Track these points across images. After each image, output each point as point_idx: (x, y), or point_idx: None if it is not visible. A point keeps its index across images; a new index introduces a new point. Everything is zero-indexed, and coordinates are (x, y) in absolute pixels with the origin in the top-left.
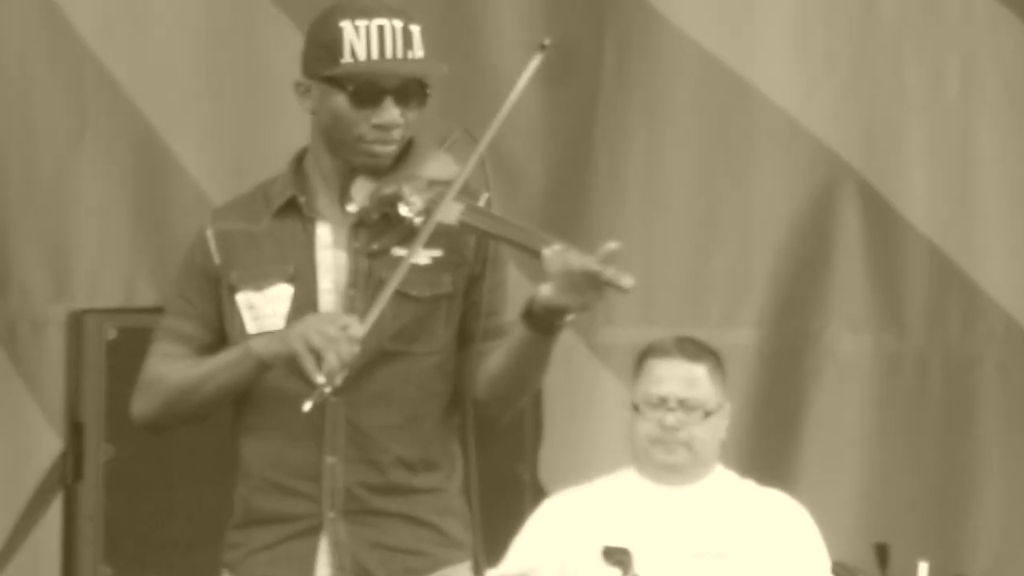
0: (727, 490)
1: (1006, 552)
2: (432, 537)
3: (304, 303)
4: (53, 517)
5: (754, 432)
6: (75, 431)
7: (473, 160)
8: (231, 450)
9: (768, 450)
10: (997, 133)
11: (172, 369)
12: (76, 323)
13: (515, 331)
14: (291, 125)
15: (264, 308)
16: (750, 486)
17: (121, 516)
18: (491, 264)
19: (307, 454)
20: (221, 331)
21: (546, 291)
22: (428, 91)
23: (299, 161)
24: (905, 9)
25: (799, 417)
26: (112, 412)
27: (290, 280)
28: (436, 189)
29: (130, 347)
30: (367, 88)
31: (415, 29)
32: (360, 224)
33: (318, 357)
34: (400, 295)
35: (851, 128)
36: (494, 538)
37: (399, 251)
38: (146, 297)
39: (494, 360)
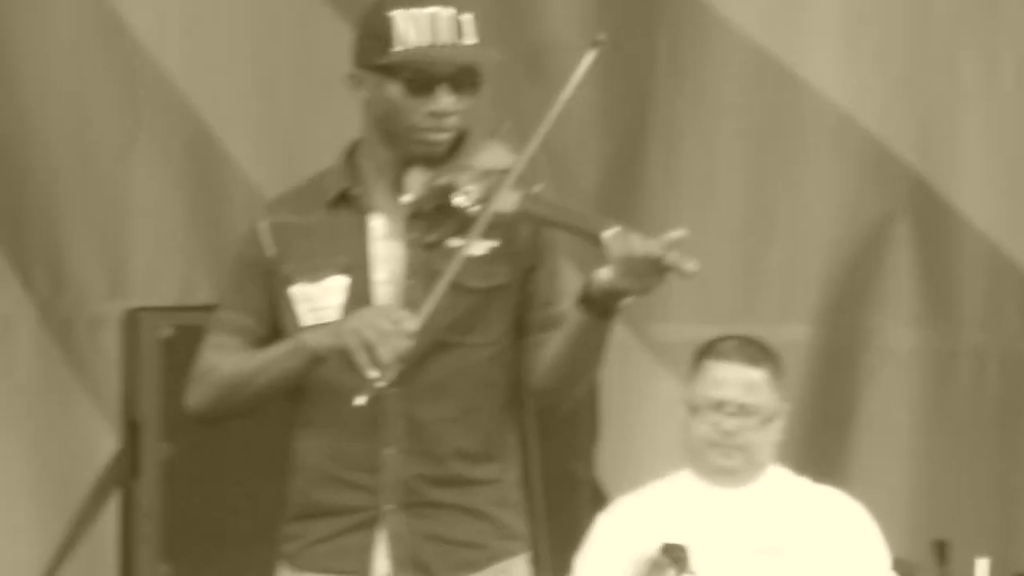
0: (782, 488)
1: None
2: (490, 529)
3: (359, 295)
4: (110, 515)
5: (807, 429)
6: (132, 429)
7: (531, 148)
8: (287, 445)
9: (821, 447)
10: None
11: (225, 360)
12: (132, 321)
13: (572, 317)
14: (344, 119)
15: (318, 300)
16: (805, 483)
17: (178, 513)
18: (546, 254)
19: (364, 446)
20: (274, 323)
21: (605, 274)
22: (481, 78)
23: (352, 153)
24: (959, 1)
25: (853, 414)
26: (169, 410)
27: (344, 272)
28: (491, 178)
29: (186, 345)
30: (420, 75)
31: (467, 17)
32: (415, 215)
33: (371, 352)
34: (456, 286)
35: (905, 122)
36: (550, 534)
37: (454, 242)
38: (202, 294)
39: (551, 348)
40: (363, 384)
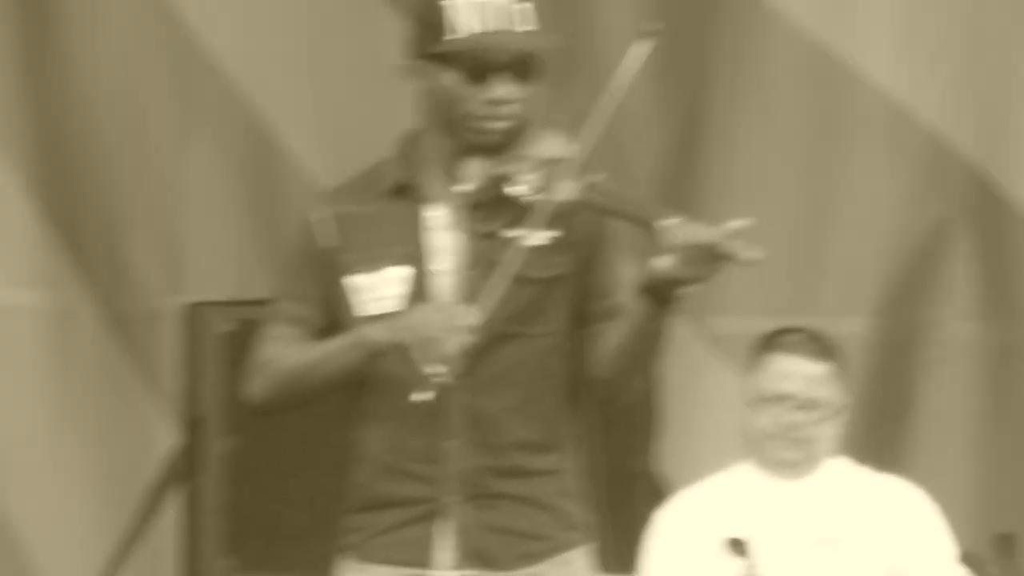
0: (843, 478)
1: None
2: (552, 520)
3: (417, 285)
4: (172, 510)
5: (867, 423)
6: (193, 424)
7: (590, 138)
8: (349, 438)
9: (881, 441)
10: None
11: (284, 352)
12: (192, 316)
13: (631, 307)
14: (399, 109)
15: (376, 291)
16: (865, 473)
17: (240, 507)
18: (604, 244)
19: (426, 438)
20: (332, 313)
21: (665, 263)
22: (540, 66)
23: (408, 143)
24: None
25: (913, 407)
26: (230, 404)
27: (402, 262)
28: (550, 168)
29: (246, 339)
30: (476, 63)
31: (525, 4)
32: (472, 205)
33: (433, 348)
34: (516, 277)
35: (963, 115)
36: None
37: (512, 232)
38: (258, 288)
39: (611, 338)
40: (425, 379)
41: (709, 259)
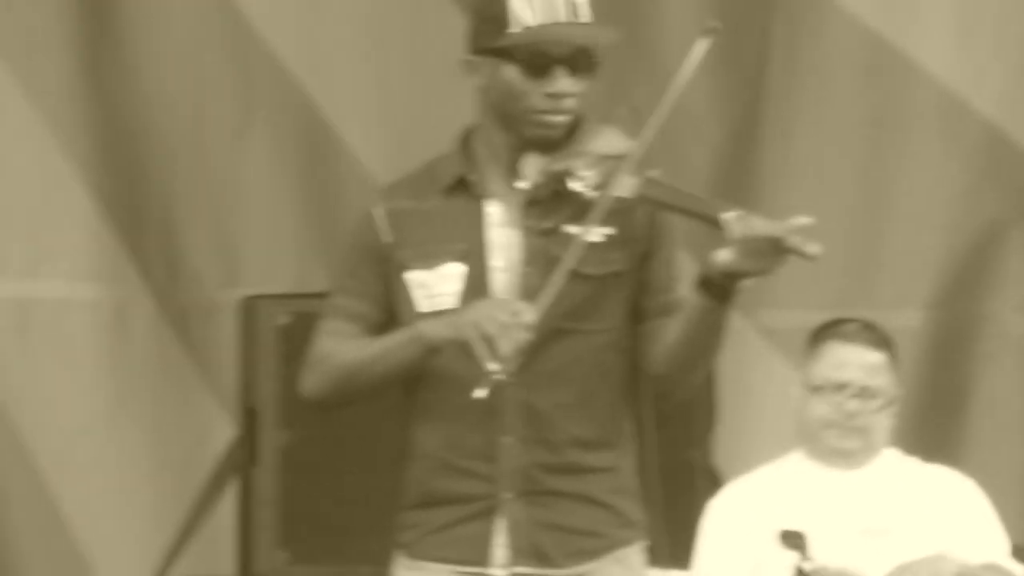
0: (895, 469)
1: None
2: (607, 517)
3: (475, 282)
4: (228, 502)
5: (922, 415)
6: (249, 416)
7: (649, 133)
8: (404, 434)
9: (936, 433)
10: None
11: (341, 348)
12: (249, 309)
13: (690, 302)
14: (458, 106)
15: (435, 287)
16: (916, 463)
17: (296, 500)
18: (662, 239)
19: (482, 435)
20: (390, 309)
21: (724, 256)
22: (598, 60)
23: (466, 139)
24: None
25: (967, 400)
26: (286, 397)
27: (461, 258)
28: (608, 164)
29: (302, 332)
30: (537, 56)
31: None
32: (531, 201)
33: (491, 344)
34: (574, 273)
35: (1019, 108)
36: (667, 522)
37: (571, 228)
38: (316, 282)
39: (669, 335)
40: (482, 376)
41: (771, 253)
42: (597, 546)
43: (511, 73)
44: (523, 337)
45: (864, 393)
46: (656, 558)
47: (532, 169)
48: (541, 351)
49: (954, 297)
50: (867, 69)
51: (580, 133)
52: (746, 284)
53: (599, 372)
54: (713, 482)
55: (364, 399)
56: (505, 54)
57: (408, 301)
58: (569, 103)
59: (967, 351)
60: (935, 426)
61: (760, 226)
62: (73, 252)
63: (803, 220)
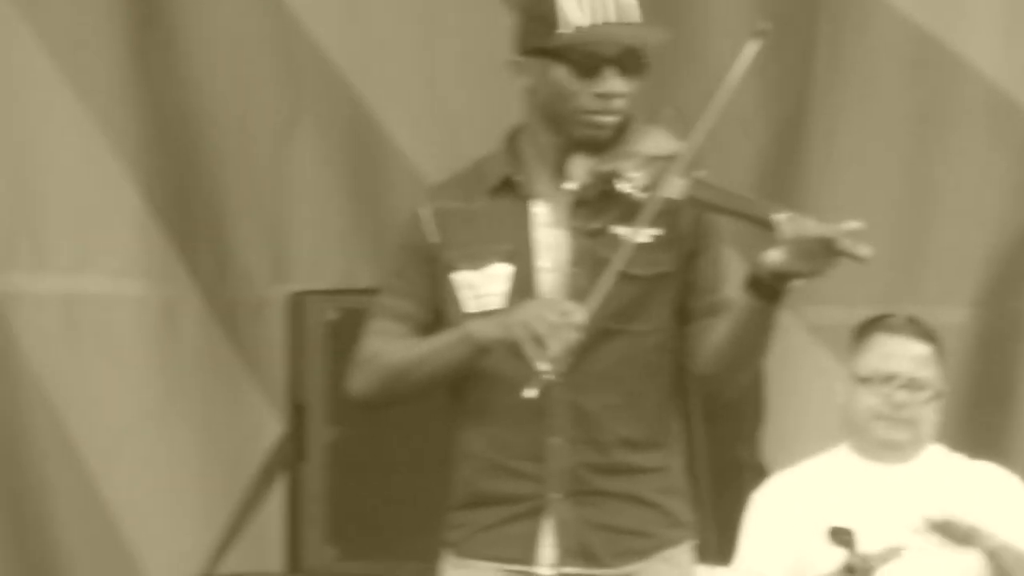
0: (941, 465)
1: None
2: (656, 517)
3: (522, 282)
4: (276, 499)
5: (967, 412)
6: (298, 413)
7: (699, 134)
8: (452, 433)
9: (981, 430)
10: None
11: (389, 348)
12: (297, 305)
13: (739, 302)
14: (507, 104)
15: (482, 287)
16: (962, 460)
17: (345, 496)
18: (709, 240)
19: (530, 435)
20: (437, 309)
21: (775, 256)
22: (647, 60)
23: (513, 139)
24: None
25: (1013, 397)
26: (334, 393)
27: (508, 259)
28: (657, 165)
29: (351, 328)
30: (587, 57)
31: None
32: (578, 202)
33: (541, 345)
34: (622, 274)
35: None
36: (716, 520)
37: (619, 229)
38: (363, 278)
39: (717, 335)
40: (531, 376)
41: (821, 254)
42: (645, 546)
43: (560, 73)
44: (572, 338)
45: (912, 384)
46: (704, 555)
47: (580, 170)
48: (589, 352)
49: (1000, 293)
50: (913, 65)
51: (628, 134)
52: (795, 284)
53: (647, 372)
54: (761, 479)
55: (412, 399)
56: (554, 54)
57: (455, 301)
58: (618, 103)
59: (1013, 348)
60: (980, 423)
61: (811, 228)
62: (121, 249)
63: (854, 224)
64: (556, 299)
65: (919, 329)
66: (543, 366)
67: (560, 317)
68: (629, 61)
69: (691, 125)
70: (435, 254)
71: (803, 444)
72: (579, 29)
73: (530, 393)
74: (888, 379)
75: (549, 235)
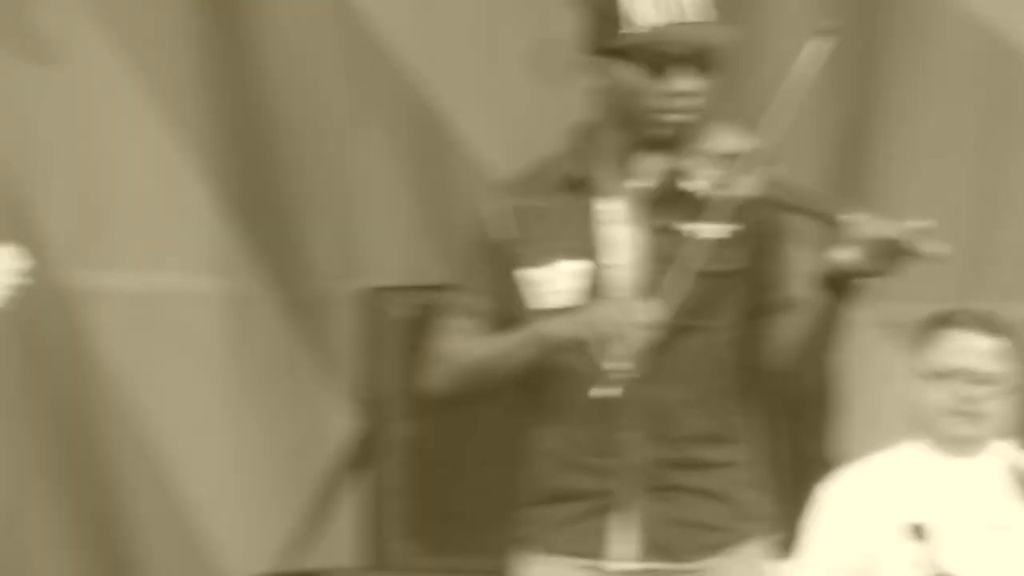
0: (1009, 460)
1: None
2: (730, 512)
3: (591, 280)
4: (349, 495)
5: None
6: (371, 409)
7: (770, 133)
8: (524, 429)
9: None
10: None
11: (462, 345)
12: (368, 301)
13: (810, 299)
14: (573, 100)
15: (551, 284)
16: None
17: (420, 492)
18: (778, 237)
19: (603, 431)
20: (509, 306)
21: (846, 255)
22: (719, 58)
23: (581, 136)
24: None
25: None
26: (409, 389)
27: (576, 256)
28: (727, 163)
29: (422, 324)
30: (657, 56)
31: None
32: (648, 200)
33: (614, 343)
34: (694, 271)
35: None
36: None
37: (689, 226)
38: (431, 274)
39: (789, 331)
40: (604, 373)
41: (891, 253)
42: (718, 540)
43: (630, 73)
44: (645, 335)
45: (981, 380)
46: (780, 551)
47: (648, 168)
48: (662, 348)
49: None
50: (982, 62)
51: (699, 132)
52: (867, 283)
53: (719, 368)
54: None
55: (487, 395)
56: (624, 54)
57: (525, 298)
58: (689, 102)
59: None
60: None
61: (880, 227)
62: (193, 246)
63: (924, 223)
64: (628, 297)
65: (988, 324)
66: (615, 364)
67: (632, 315)
68: (699, 60)
69: (761, 124)
70: (505, 251)
71: (877, 439)
72: (647, 29)
73: (603, 391)
74: (957, 374)
75: (618, 233)
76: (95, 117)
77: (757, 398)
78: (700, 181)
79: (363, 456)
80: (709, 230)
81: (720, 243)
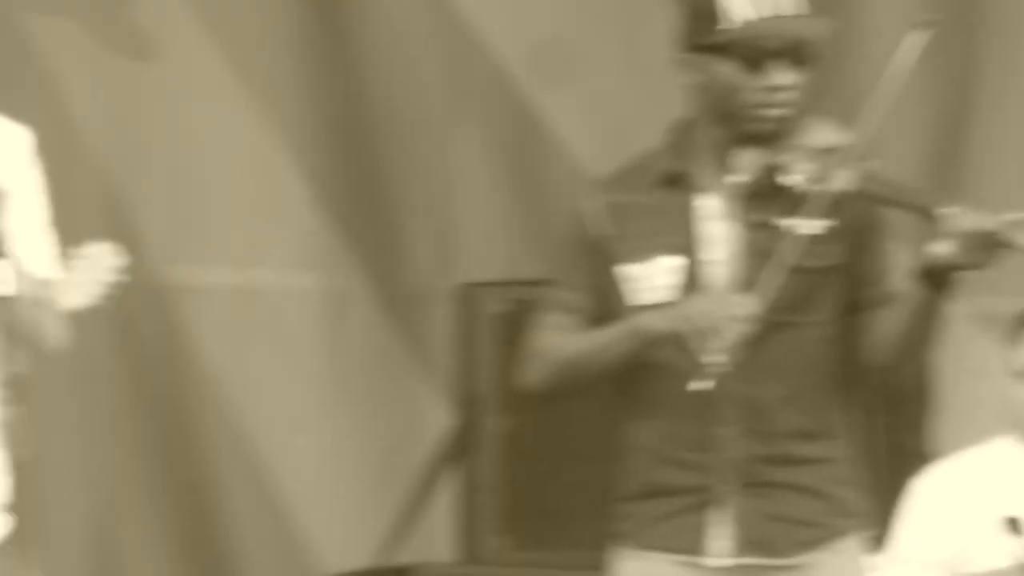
0: None
1: None
2: (826, 508)
3: (690, 275)
4: (446, 490)
5: None
6: (467, 405)
7: (868, 127)
8: (619, 424)
9: None
10: None
11: (560, 341)
12: (467, 296)
13: (908, 293)
14: (670, 96)
15: (649, 280)
16: None
17: (516, 488)
18: (876, 231)
19: (699, 427)
20: (605, 302)
21: (941, 248)
22: (816, 52)
23: (678, 132)
24: None
25: None
26: (505, 384)
27: (674, 252)
28: (824, 157)
29: (520, 319)
30: (754, 51)
31: None
32: (745, 195)
33: (711, 337)
34: (791, 266)
35: None
36: (886, 510)
37: (786, 221)
38: (527, 269)
39: (886, 325)
40: (701, 369)
41: (988, 246)
42: (818, 536)
43: (727, 69)
44: (743, 330)
45: None
46: (876, 547)
47: (746, 163)
48: (759, 344)
49: None
50: None
51: (795, 127)
52: (964, 276)
53: (815, 364)
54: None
55: (583, 390)
56: (721, 50)
57: (623, 294)
58: (786, 96)
59: None
60: None
61: (977, 220)
62: (291, 242)
63: (1020, 215)
64: (725, 292)
65: None
66: (712, 359)
67: (730, 310)
68: (795, 53)
69: (858, 117)
70: (602, 247)
71: (974, 434)
72: (743, 24)
73: (700, 385)
74: None
75: (716, 228)
76: (193, 114)
77: (855, 393)
78: (797, 176)
79: (458, 451)
80: (806, 225)
81: (819, 238)
